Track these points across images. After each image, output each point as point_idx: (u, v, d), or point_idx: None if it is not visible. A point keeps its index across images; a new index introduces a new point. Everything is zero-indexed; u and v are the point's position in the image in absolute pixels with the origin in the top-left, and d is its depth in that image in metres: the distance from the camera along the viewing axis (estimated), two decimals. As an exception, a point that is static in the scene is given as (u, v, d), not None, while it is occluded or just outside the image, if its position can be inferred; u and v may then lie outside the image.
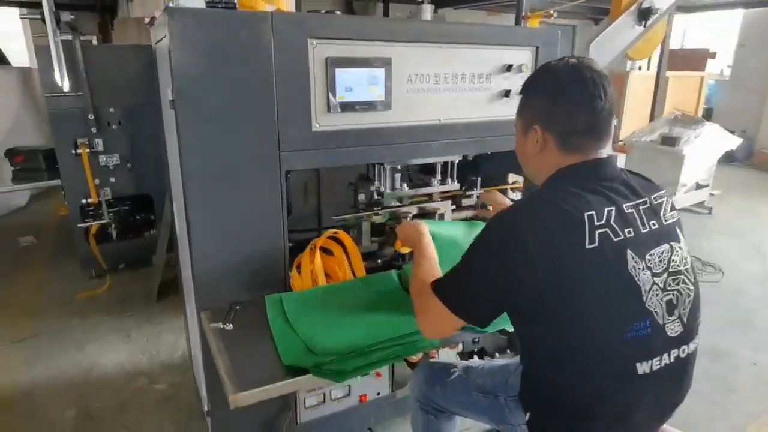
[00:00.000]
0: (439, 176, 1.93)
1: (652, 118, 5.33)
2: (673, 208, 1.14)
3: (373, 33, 1.51)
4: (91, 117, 3.11)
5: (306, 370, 1.18)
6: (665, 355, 1.05)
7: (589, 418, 1.08)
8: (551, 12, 2.05)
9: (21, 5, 8.61)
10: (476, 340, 2.17)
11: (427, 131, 1.71)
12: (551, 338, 1.08)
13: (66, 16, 2.59)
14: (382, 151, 1.64)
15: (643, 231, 1.05)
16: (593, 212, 1.00)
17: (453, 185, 1.96)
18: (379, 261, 1.88)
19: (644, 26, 2.69)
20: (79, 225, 3.26)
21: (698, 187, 5.21)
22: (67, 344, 2.73)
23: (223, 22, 1.32)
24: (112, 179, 3.30)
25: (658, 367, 1.04)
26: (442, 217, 1.94)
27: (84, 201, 3.26)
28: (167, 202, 2.59)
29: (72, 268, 3.58)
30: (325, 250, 1.69)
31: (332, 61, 1.46)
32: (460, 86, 1.71)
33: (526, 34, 1.89)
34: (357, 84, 1.51)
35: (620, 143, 5.19)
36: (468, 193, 2.04)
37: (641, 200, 1.09)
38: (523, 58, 1.80)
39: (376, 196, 1.88)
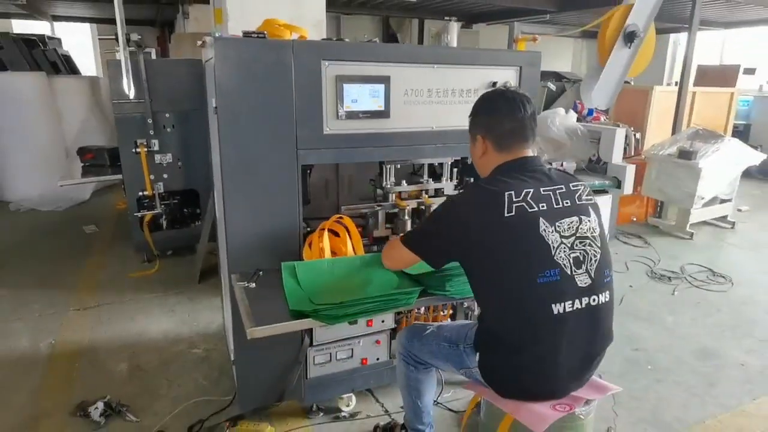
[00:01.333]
0: (430, 175, 2.26)
1: (673, 132, 5.42)
2: (589, 194, 1.52)
3: (374, 55, 1.87)
4: (149, 121, 3.61)
5: (307, 315, 1.53)
6: (576, 301, 1.39)
7: (519, 352, 1.42)
8: (535, 36, 2.36)
9: (92, 21, 9.53)
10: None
11: (422, 136, 2.05)
12: (487, 285, 1.47)
13: (135, 37, 3.08)
14: (382, 151, 1.99)
15: (556, 206, 1.42)
16: (512, 191, 1.41)
17: (448, 183, 2.28)
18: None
19: (629, 47, 2.91)
20: (135, 214, 3.77)
21: (722, 201, 5.27)
22: (121, 314, 3.20)
23: (255, 48, 1.71)
24: (165, 175, 3.80)
25: (571, 309, 1.38)
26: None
27: (140, 193, 3.77)
28: (211, 196, 3.02)
29: (127, 253, 4.12)
30: (334, 233, 2.04)
31: (341, 78, 1.83)
32: (450, 99, 2.04)
33: (511, 56, 2.20)
34: (361, 96, 1.87)
35: (641, 157, 5.31)
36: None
37: (557, 186, 1.47)
38: (508, 76, 2.11)
39: (378, 191, 2.22)
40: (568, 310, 1.37)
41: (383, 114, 1.93)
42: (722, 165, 4.79)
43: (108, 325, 3.07)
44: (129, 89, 3.27)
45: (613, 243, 4.57)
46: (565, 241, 1.39)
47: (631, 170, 4.02)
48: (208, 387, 2.45)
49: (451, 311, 2.40)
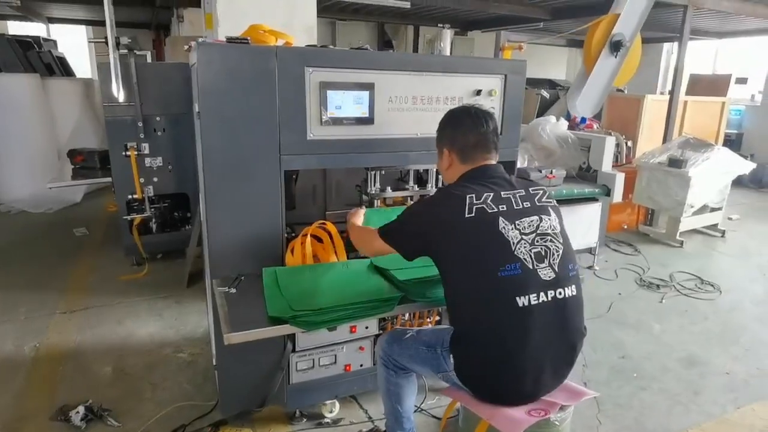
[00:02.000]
0: (416, 181, 2.27)
1: (665, 141, 5.46)
2: (549, 197, 1.62)
3: (358, 63, 1.89)
4: (140, 124, 3.60)
5: (285, 321, 1.53)
6: (541, 294, 1.44)
7: (490, 348, 1.45)
8: (521, 45, 2.38)
9: (88, 23, 9.54)
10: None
11: (407, 143, 2.06)
12: (455, 283, 1.53)
13: (125, 40, 3.09)
14: (366, 157, 2.00)
15: (516, 207, 1.53)
16: (473, 195, 1.52)
17: (433, 190, 2.29)
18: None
19: (615, 57, 2.94)
20: (125, 217, 3.75)
21: (712, 210, 5.29)
22: (109, 317, 3.19)
23: (239, 54, 1.72)
24: (155, 179, 3.78)
25: (537, 302, 1.43)
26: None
27: (130, 197, 3.75)
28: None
29: (117, 256, 4.10)
30: (317, 238, 2.05)
31: (324, 84, 1.84)
32: (435, 107, 2.05)
33: (496, 64, 2.22)
34: (345, 103, 1.88)
35: (632, 164, 5.35)
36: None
37: (517, 190, 1.58)
38: (493, 84, 2.13)
39: (364, 197, 2.22)
40: (533, 302, 1.42)
41: (367, 120, 1.94)
42: (712, 174, 4.82)
43: (95, 328, 3.05)
44: (118, 92, 3.27)
45: (603, 250, 4.59)
46: (525, 237, 1.47)
47: (620, 178, 4.04)
48: (192, 391, 2.44)
49: (437, 317, 2.40)
